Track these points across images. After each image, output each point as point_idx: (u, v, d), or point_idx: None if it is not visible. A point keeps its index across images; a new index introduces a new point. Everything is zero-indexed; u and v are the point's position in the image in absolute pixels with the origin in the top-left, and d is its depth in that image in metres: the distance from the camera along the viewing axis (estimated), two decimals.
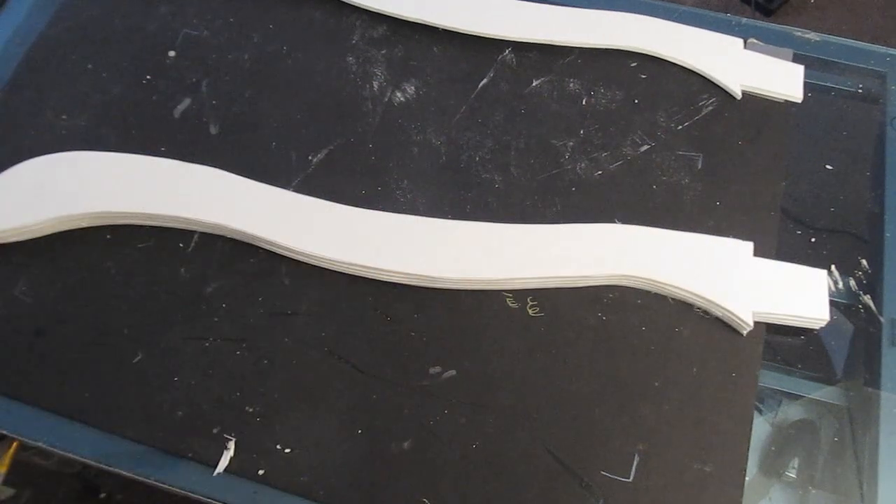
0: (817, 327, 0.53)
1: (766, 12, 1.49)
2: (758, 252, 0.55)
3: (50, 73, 0.64)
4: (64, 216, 0.54)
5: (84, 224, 0.55)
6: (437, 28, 0.65)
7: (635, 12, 0.68)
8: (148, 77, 0.64)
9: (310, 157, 0.60)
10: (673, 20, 0.67)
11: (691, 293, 0.52)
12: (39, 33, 0.66)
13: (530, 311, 0.53)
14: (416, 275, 0.52)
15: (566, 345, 0.52)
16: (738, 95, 0.61)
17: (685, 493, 0.47)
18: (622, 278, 0.53)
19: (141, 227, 0.56)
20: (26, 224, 0.54)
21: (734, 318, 0.51)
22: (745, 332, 0.51)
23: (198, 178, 0.56)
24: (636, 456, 0.48)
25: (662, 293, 0.53)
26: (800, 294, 0.52)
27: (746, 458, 0.48)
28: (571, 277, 0.53)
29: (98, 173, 0.56)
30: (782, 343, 0.54)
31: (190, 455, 0.49)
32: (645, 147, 0.60)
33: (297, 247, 0.54)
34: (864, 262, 0.57)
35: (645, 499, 0.47)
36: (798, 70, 0.63)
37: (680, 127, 0.60)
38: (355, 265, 0.53)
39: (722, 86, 0.62)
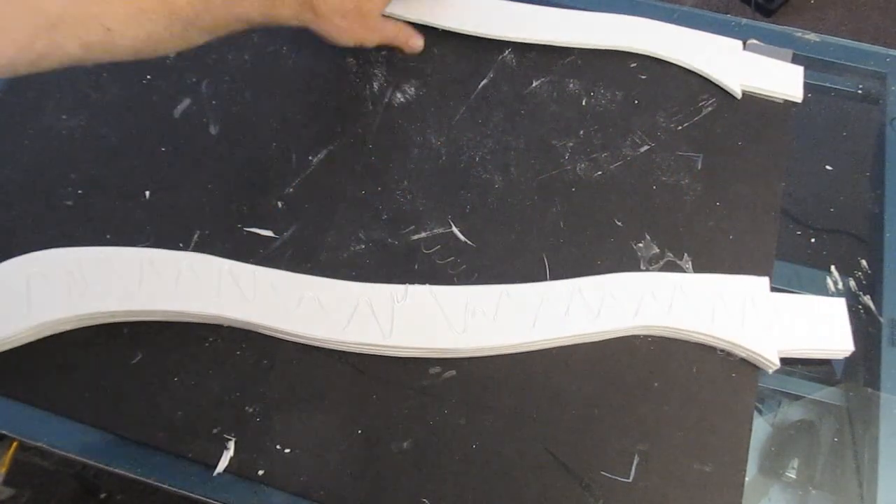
0: (842, 357, 0.52)
1: (766, 13, 1.49)
2: (758, 253, 0.55)
3: (50, 73, 0.64)
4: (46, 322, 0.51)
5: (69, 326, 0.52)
6: (437, 28, 0.66)
7: (635, 13, 0.68)
8: (148, 77, 0.64)
9: (310, 158, 0.60)
10: (673, 20, 0.67)
11: (713, 337, 0.51)
12: None
13: None
14: (428, 348, 0.51)
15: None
16: (739, 95, 0.61)
17: (685, 493, 0.47)
18: (640, 329, 0.52)
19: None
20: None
21: (760, 358, 0.50)
22: (771, 371, 0.51)
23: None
24: (636, 456, 0.48)
25: (682, 339, 0.52)
26: (822, 326, 0.52)
27: (746, 459, 0.48)
28: (583, 335, 0.52)
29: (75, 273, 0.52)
30: None
31: (190, 455, 0.49)
32: (645, 147, 0.60)
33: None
34: (863, 262, 0.57)
35: (644, 499, 0.47)
36: (798, 71, 0.63)
37: (680, 127, 0.60)
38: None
39: (722, 86, 0.62)
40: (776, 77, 0.62)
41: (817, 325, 0.52)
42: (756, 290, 0.53)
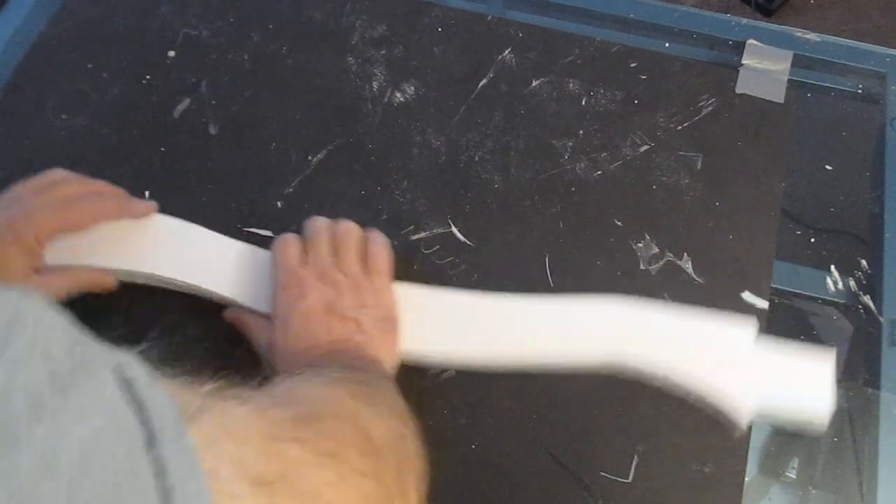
0: (818, 427, 0.48)
1: (766, 12, 1.49)
2: (758, 253, 0.55)
3: (50, 72, 0.64)
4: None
5: None
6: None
7: (634, 13, 0.68)
8: (148, 77, 0.64)
9: (309, 158, 0.60)
10: (673, 21, 0.67)
11: (685, 383, 0.49)
12: (39, 33, 0.66)
13: None
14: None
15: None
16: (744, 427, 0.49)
17: (684, 493, 0.47)
18: (612, 367, 0.50)
19: None
20: None
21: (727, 418, 0.48)
22: (736, 434, 0.48)
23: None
24: (635, 457, 0.48)
25: (652, 382, 0.50)
26: (804, 391, 0.48)
27: (746, 460, 0.48)
28: (550, 361, 0.50)
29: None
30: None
31: None
32: (644, 147, 0.60)
33: None
34: (863, 262, 0.57)
35: (644, 499, 0.47)
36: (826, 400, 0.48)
37: (680, 127, 0.60)
38: None
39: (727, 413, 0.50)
40: (800, 395, 0.49)
41: (799, 389, 0.48)
42: (739, 341, 0.50)
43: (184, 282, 0.52)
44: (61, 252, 0.51)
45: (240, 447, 0.24)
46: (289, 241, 0.51)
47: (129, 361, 0.20)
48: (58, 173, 0.53)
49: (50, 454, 0.15)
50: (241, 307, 0.51)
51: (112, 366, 0.19)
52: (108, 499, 0.16)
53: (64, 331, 0.18)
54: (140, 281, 0.53)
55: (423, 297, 0.53)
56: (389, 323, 0.50)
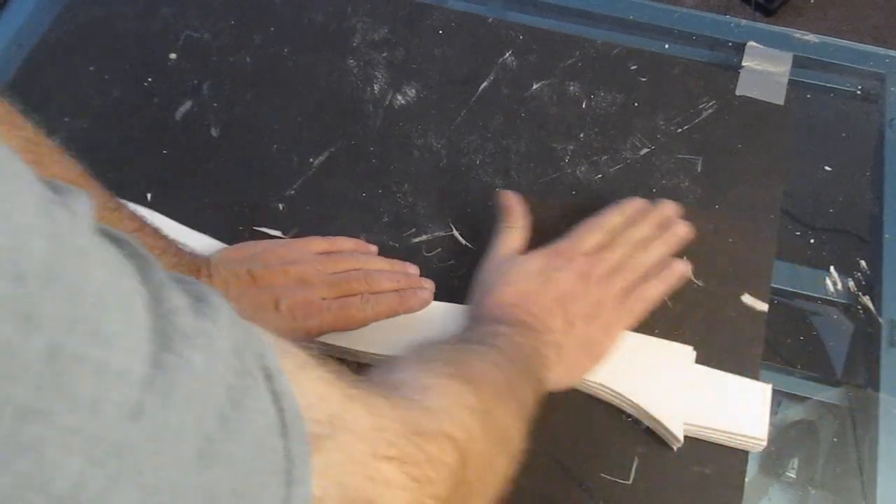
0: (755, 450, 0.48)
1: (767, 13, 1.49)
2: (758, 256, 0.55)
3: (52, 75, 0.64)
4: None
5: None
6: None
7: (633, 14, 0.68)
8: (149, 79, 0.64)
9: (310, 160, 0.60)
10: (672, 22, 0.67)
11: (620, 397, 0.48)
12: (41, 36, 0.66)
13: None
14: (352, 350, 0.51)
15: None
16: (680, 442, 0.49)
17: (684, 495, 0.47)
18: None
19: None
20: None
21: (664, 431, 0.48)
22: (675, 448, 0.48)
23: None
24: (636, 458, 0.49)
25: (588, 393, 0.50)
26: (739, 410, 0.48)
27: (746, 461, 0.48)
28: None
29: None
30: (781, 343, 0.54)
31: None
32: (645, 150, 0.60)
33: None
34: (863, 262, 0.57)
35: (644, 501, 0.47)
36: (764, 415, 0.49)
37: (680, 130, 0.61)
38: None
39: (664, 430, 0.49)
40: (737, 415, 0.49)
41: (735, 408, 0.48)
42: (678, 360, 0.50)
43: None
44: None
45: (349, 472, 0.26)
46: (590, 229, 0.52)
47: (267, 348, 0.23)
48: (349, 245, 0.54)
49: (234, 460, 0.19)
50: None
51: (260, 360, 0.22)
52: (261, 493, 0.20)
53: (232, 332, 0.21)
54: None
55: None
56: (591, 355, 0.48)
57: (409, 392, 0.34)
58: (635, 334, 0.51)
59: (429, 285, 0.53)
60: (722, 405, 0.48)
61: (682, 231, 0.53)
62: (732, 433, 0.48)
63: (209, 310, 0.21)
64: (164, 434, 0.17)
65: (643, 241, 0.52)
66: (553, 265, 0.49)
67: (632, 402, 0.49)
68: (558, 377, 0.47)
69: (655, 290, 0.51)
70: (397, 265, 0.54)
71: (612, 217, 0.53)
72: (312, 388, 0.25)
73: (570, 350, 0.47)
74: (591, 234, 0.51)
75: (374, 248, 0.55)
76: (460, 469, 0.33)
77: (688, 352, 0.51)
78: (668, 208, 0.54)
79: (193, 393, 0.18)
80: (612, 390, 0.49)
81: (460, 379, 0.37)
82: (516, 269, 0.49)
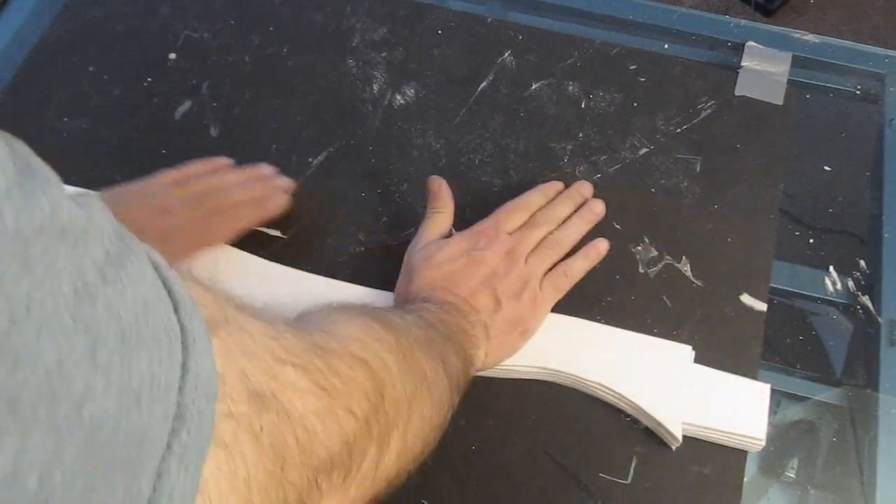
0: (754, 450, 0.48)
1: (766, 13, 1.49)
2: (757, 256, 0.55)
3: (51, 74, 0.64)
4: None
5: None
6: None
7: (632, 14, 0.68)
8: (149, 79, 0.64)
9: (310, 160, 0.60)
10: (672, 22, 0.67)
11: (618, 395, 0.48)
12: (41, 35, 0.66)
13: None
14: None
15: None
16: (679, 441, 0.49)
17: (683, 495, 0.47)
18: (548, 374, 0.50)
19: None
20: None
21: (663, 430, 0.48)
22: (673, 447, 0.48)
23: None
24: (634, 458, 0.49)
25: (587, 392, 0.50)
26: (738, 410, 0.48)
27: (745, 461, 0.48)
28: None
29: None
30: (781, 343, 0.54)
31: None
32: (644, 150, 0.60)
33: None
34: (862, 262, 0.57)
35: (643, 501, 0.47)
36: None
37: (679, 130, 0.61)
38: None
39: (662, 429, 0.49)
40: (735, 415, 0.49)
41: (733, 407, 0.48)
42: (677, 359, 0.50)
43: None
44: None
45: (247, 361, 0.25)
46: (511, 209, 0.52)
47: (152, 249, 0.23)
48: (200, 167, 0.55)
49: (114, 308, 0.18)
50: None
51: (145, 250, 0.22)
52: (155, 347, 0.19)
53: (112, 221, 0.21)
54: None
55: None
56: (523, 330, 0.49)
57: (315, 322, 0.35)
58: (634, 334, 0.51)
59: (284, 184, 0.55)
60: (721, 405, 0.48)
61: (599, 209, 0.55)
62: (731, 433, 0.48)
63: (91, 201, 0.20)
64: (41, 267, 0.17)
65: (563, 219, 0.54)
66: (477, 246, 0.50)
67: (630, 401, 0.49)
68: (488, 356, 0.47)
69: (580, 266, 0.52)
70: (250, 172, 0.56)
71: (533, 197, 0.54)
72: (200, 292, 0.25)
73: (498, 328, 0.47)
74: (513, 213, 0.52)
75: (224, 161, 0.56)
76: (375, 395, 0.33)
77: (686, 351, 0.51)
78: (585, 188, 0.56)
79: (76, 240, 0.18)
80: (610, 390, 0.49)
81: (377, 321, 0.37)
82: (441, 252, 0.49)
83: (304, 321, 0.37)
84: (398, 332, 0.38)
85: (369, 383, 0.33)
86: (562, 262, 0.52)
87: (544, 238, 0.52)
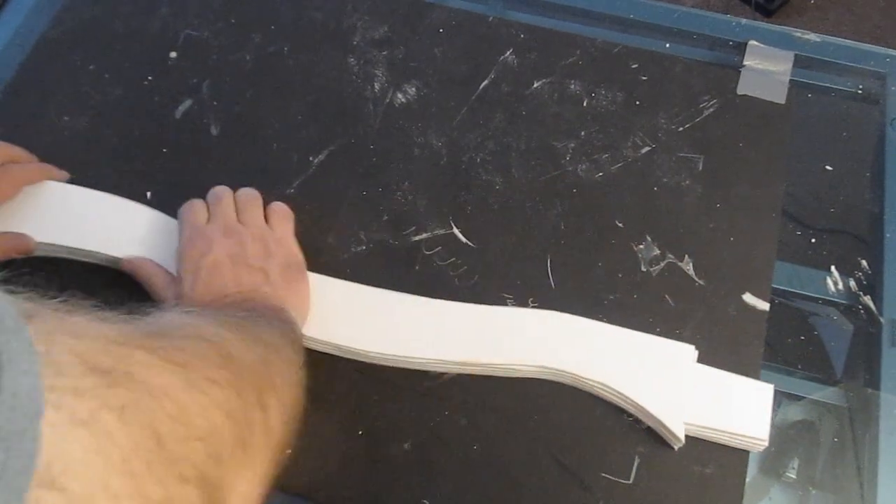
0: (756, 450, 0.48)
1: (767, 13, 1.49)
2: (759, 255, 0.55)
3: (51, 74, 0.64)
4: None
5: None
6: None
7: (633, 13, 0.68)
8: (149, 78, 0.64)
9: (311, 159, 0.60)
10: (673, 22, 0.67)
11: (620, 395, 0.48)
12: (41, 34, 0.66)
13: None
14: (325, 342, 0.52)
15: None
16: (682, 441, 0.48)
17: (685, 495, 0.47)
18: (550, 373, 0.50)
19: None
20: None
21: (665, 431, 0.48)
22: (676, 448, 0.48)
23: None
24: (637, 458, 0.48)
25: (588, 391, 0.50)
26: (741, 410, 0.48)
27: (747, 461, 0.48)
28: (489, 365, 0.50)
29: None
30: (782, 343, 0.54)
31: None
32: (646, 149, 0.60)
33: None
34: (864, 262, 0.57)
35: (645, 501, 0.47)
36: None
37: (681, 128, 0.60)
38: None
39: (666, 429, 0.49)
40: (739, 414, 0.49)
41: (736, 408, 0.48)
42: (679, 359, 0.50)
43: (96, 251, 0.53)
44: None
45: (78, 341, 0.24)
46: (195, 204, 0.54)
47: None
48: None
49: None
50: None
51: None
52: None
53: None
54: (54, 253, 0.54)
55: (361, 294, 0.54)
56: (296, 269, 0.51)
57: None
58: (636, 332, 0.51)
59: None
60: (723, 405, 0.48)
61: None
62: (734, 433, 0.48)
63: None
64: None
65: (221, 189, 0.55)
66: (201, 252, 0.50)
67: (633, 401, 0.49)
68: (297, 309, 0.49)
69: (280, 204, 0.55)
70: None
71: (191, 200, 0.55)
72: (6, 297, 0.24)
73: (280, 284, 0.49)
74: (193, 211, 0.53)
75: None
76: (227, 362, 0.33)
77: (689, 351, 0.51)
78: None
79: None
80: (612, 390, 0.49)
81: (189, 312, 0.38)
82: (184, 286, 0.49)
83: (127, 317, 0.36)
84: (216, 314, 0.39)
85: (217, 355, 0.33)
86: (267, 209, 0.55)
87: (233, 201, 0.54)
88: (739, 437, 0.48)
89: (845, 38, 0.67)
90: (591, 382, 0.49)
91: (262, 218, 0.54)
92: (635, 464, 0.48)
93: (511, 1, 0.70)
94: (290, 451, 0.44)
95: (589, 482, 0.48)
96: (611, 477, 0.48)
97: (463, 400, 0.50)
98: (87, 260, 0.54)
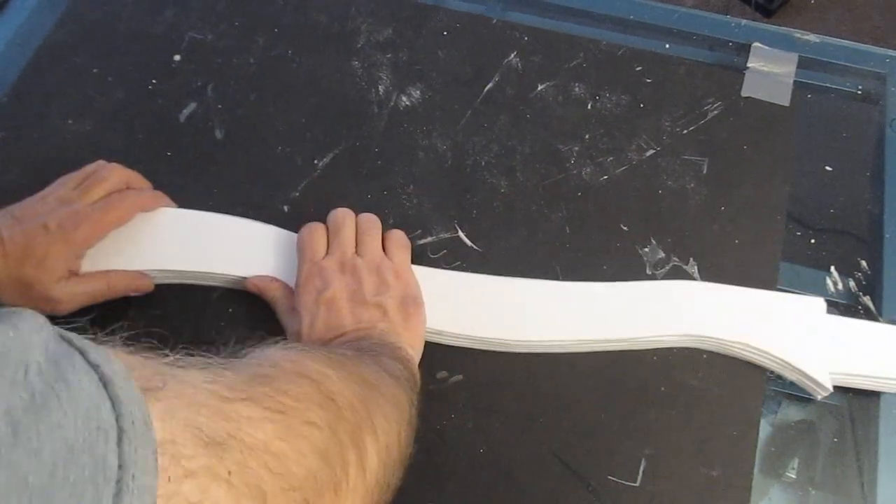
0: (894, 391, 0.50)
1: (767, 13, 1.49)
2: (764, 257, 0.55)
3: (55, 77, 0.64)
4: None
5: None
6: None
7: (635, 14, 0.68)
8: (153, 81, 0.64)
9: (315, 161, 0.60)
10: (672, 22, 0.67)
11: (766, 354, 0.49)
12: (44, 37, 0.66)
13: None
14: (465, 336, 0.52)
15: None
16: (829, 390, 0.50)
17: (692, 497, 0.48)
18: (691, 340, 0.51)
19: None
20: None
21: (811, 383, 0.49)
22: (819, 398, 0.50)
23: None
24: (643, 461, 0.49)
25: (730, 354, 0.51)
26: (878, 354, 0.50)
27: (753, 463, 0.49)
28: (632, 339, 0.51)
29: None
30: None
31: None
32: (650, 152, 0.60)
33: None
34: (863, 262, 0.57)
35: (652, 503, 0.48)
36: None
37: (685, 131, 0.61)
38: None
39: (809, 380, 0.50)
40: (879, 361, 0.50)
41: (873, 353, 0.50)
42: (811, 312, 0.51)
43: (219, 273, 0.53)
44: (94, 255, 0.52)
45: (194, 413, 0.25)
46: (314, 233, 0.53)
47: (108, 360, 0.22)
48: (94, 165, 0.55)
49: (21, 471, 0.17)
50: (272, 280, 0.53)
51: (92, 368, 0.21)
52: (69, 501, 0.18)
53: (45, 348, 0.20)
54: (166, 280, 0.54)
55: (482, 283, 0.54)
56: (412, 303, 0.50)
57: (244, 361, 0.35)
58: (764, 291, 0.52)
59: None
60: (863, 352, 0.50)
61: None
62: (878, 377, 0.49)
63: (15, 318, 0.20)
64: None
65: (343, 217, 0.55)
66: (318, 289, 0.50)
67: (777, 358, 0.49)
68: (413, 347, 0.49)
69: (399, 233, 0.55)
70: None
71: (310, 224, 0.54)
72: (129, 358, 0.25)
73: (397, 321, 0.49)
74: (312, 241, 0.53)
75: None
76: (328, 403, 0.33)
77: (819, 303, 0.52)
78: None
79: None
80: (755, 349, 0.50)
81: (299, 347, 0.38)
82: (302, 326, 0.49)
83: (231, 360, 0.37)
84: (327, 350, 0.39)
85: (318, 395, 0.33)
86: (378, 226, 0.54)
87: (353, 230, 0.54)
88: (884, 381, 0.49)
89: (845, 38, 0.67)
90: (732, 345, 0.50)
91: (380, 247, 0.53)
92: (642, 466, 0.49)
93: (515, 3, 0.70)
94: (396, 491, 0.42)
95: (595, 485, 0.48)
96: (617, 479, 0.48)
97: (469, 403, 0.51)
98: (204, 283, 0.54)
